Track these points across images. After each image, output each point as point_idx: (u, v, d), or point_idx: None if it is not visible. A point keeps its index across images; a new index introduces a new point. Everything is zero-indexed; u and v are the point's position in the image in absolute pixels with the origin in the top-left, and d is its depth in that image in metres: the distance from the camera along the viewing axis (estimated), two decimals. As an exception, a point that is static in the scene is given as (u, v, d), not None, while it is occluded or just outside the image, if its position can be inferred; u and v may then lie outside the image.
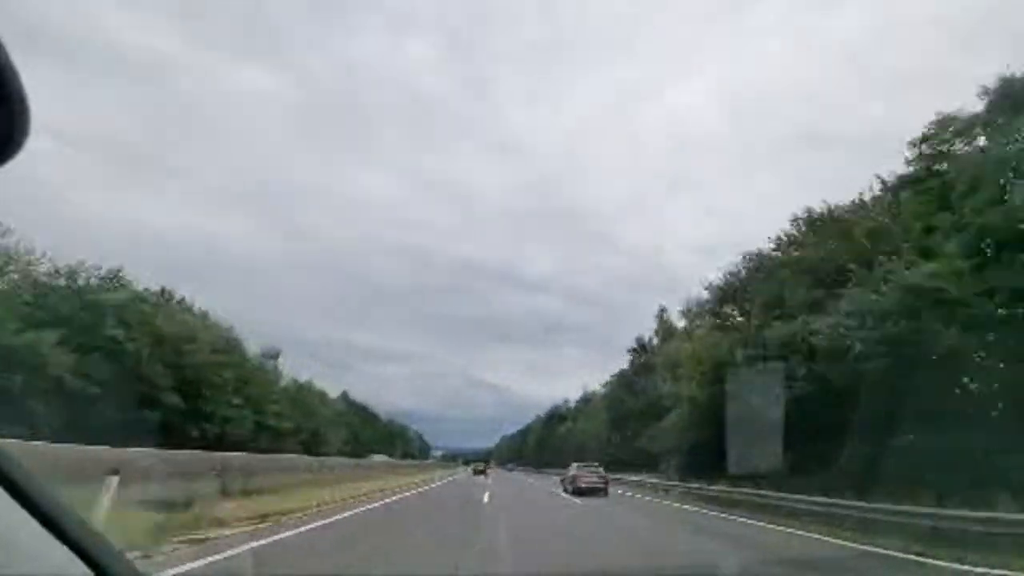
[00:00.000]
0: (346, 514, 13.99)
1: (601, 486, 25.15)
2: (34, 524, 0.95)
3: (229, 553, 7.52)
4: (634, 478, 36.72)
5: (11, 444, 8.40)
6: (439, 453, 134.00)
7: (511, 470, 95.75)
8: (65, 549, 0.99)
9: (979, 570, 7.71)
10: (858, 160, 69.37)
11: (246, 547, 8.17)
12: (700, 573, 8.15)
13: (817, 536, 11.43)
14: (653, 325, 51.39)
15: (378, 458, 60.34)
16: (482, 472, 54.33)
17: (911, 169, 19.54)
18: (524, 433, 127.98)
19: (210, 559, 7.12)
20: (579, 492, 24.43)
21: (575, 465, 28.04)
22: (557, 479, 46.90)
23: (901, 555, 9.06)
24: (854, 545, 10.20)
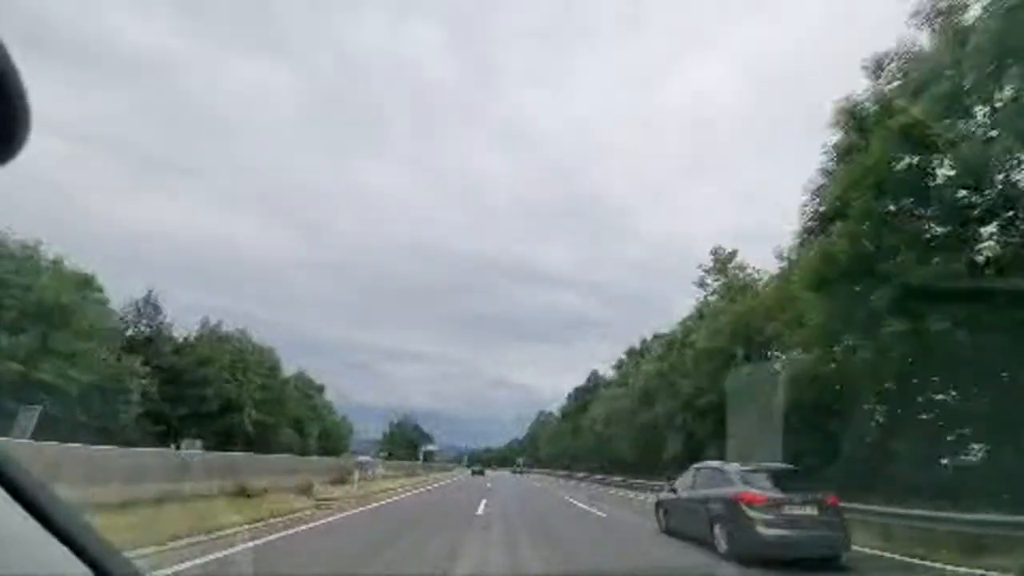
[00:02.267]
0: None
1: (832, 539, 8.65)
2: (34, 524, 0.95)
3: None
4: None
5: (11, 444, 8.39)
6: (432, 447, 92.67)
7: (519, 472, 80.00)
8: (65, 549, 0.99)
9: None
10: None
11: (247, 545, 8.17)
12: (700, 573, 8.14)
13: None
14: (676, 315, 48.43)
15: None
16: (480, 473, 60.42)
17: None
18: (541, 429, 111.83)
19: (237, 548, 7.20)
20: (763, 550, 8.37)
21: (731, 470, 10.11)
22: (586, 487, 36.33)
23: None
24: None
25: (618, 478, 38.96)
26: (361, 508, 15.40)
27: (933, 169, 14.98)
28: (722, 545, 9.12)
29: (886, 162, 14.82)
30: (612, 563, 8.71)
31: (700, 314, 33.49)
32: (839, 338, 16.83)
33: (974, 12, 14.09)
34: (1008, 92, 12.80)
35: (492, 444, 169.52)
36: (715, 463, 11.35)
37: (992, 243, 14.57)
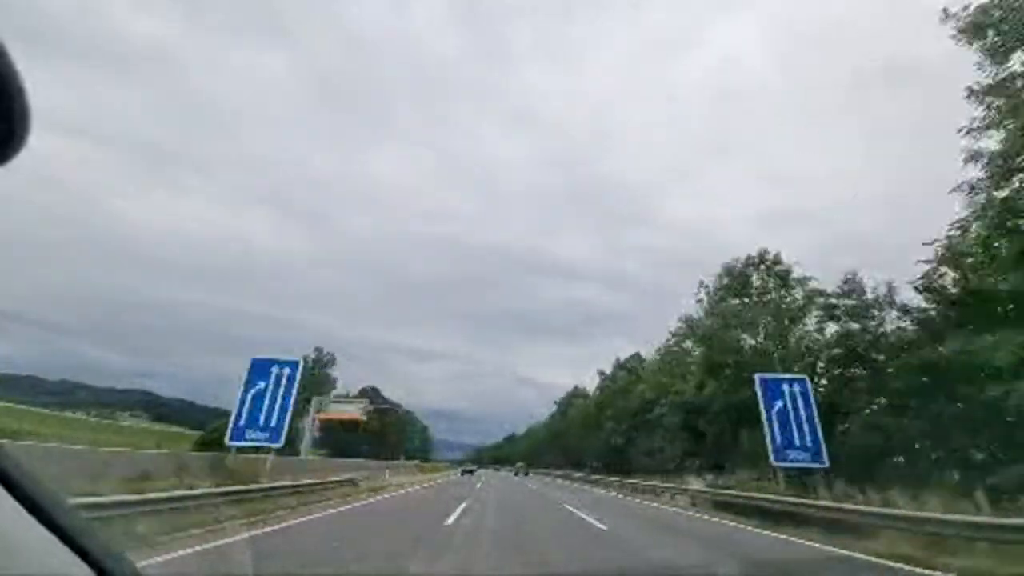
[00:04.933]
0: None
1: None
2: (34, 524, 0.95)
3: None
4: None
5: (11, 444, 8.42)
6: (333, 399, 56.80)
7: (522, 473, 65.42)
8: (66, 549, 0.99)
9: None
10: (951, 91, 57.14)
11: (244, 536, 8.17)
12: (699, 574, 8.14)
13: None
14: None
15: None
16: (470, 472, 58.54)
17: None
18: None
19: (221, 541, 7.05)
20: None
21: None
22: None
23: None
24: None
25: (615, 478, 36.92)
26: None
27: None
28: None
29: None
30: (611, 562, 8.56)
31: None
32: None
33: None
34: None
35: (505, 440, 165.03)
36: None
37: None
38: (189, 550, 7.03)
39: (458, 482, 36.25)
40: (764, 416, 18.84)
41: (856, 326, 23.59)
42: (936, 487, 13.98)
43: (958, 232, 17.29)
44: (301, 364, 19.25)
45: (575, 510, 16.61)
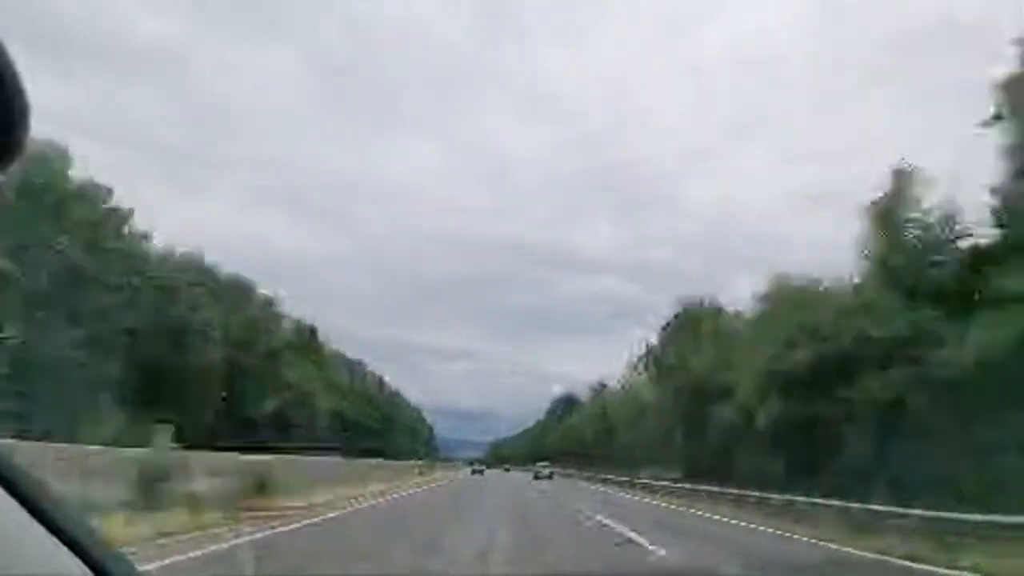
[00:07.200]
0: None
1: None
2: (34, 524, 0.95)
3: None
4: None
5: (10, 444, 8.40)
6: None
7: (542, 475, 46.25)
8: (65, 549, 0.98)
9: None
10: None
11: (244, 539, 8.17)
12: (700, 573, 8.14)
13: None
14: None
15: None
16: (479, 472, 58.52)
17: None
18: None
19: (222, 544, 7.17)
20: None
21: None
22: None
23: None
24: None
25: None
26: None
27: None
28: None
29: None
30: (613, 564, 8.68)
31: None
32: None
33: None
34: None
35: (523, 433, 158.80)
36: None
37: None
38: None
39: None
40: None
41: None
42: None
43: None
44: None
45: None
